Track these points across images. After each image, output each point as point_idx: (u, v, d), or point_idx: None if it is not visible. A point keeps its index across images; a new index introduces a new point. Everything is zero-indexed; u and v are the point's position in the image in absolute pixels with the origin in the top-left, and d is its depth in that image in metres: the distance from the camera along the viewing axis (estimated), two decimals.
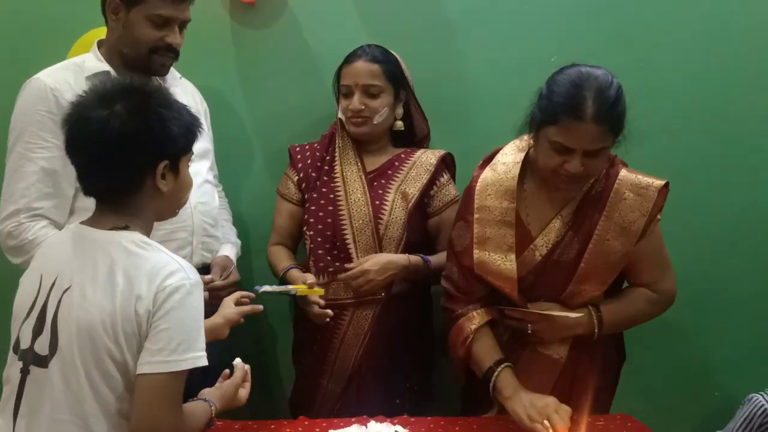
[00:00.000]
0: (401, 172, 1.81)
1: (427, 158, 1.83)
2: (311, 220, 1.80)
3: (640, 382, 2.00)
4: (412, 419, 1.49)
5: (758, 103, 2.05)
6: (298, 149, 1.89)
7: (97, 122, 1.10)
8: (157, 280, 1.09)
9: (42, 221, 1.54)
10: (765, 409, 1.72)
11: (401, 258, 1.73)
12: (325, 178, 1.82)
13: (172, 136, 1.14)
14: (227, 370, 1.39)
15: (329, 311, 1.67)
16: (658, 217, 1.52)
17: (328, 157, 1.84)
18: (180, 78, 1.79)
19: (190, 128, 1.19)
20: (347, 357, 1.77)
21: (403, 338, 1.80)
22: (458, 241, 1.60)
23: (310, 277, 1.70)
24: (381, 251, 1.75)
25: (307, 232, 1.81)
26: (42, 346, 1.13)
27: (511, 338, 1.59)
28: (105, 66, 1.62)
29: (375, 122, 1.78)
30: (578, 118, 1.37)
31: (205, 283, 1.60)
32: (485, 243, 1.54)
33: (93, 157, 1.13)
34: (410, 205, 1.78)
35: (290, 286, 1.68)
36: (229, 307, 1.48)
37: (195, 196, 1.25)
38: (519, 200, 1.55)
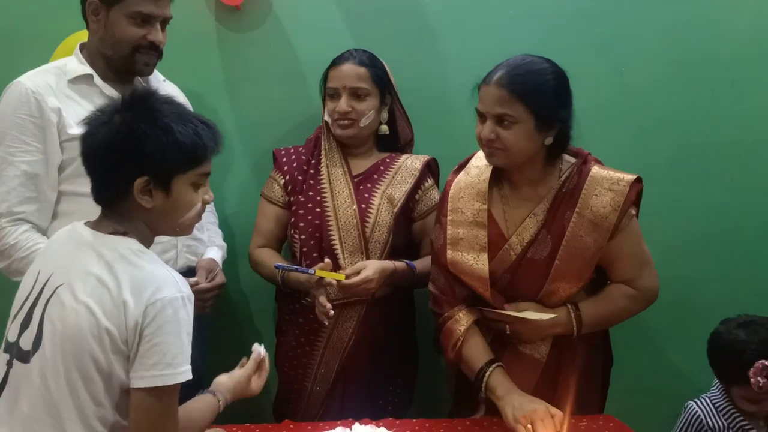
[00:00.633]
0: (387, 175, 1.82)
1: (411, 163, 1.84)
2: (300, 223, 1.80)
3: (621, 383, 2.01)
4: (397, 422, 1.49)
5: (738, 107, 2.09)
6: (283, 152, 1.89)
7: (93, 127, 1.14)
8: (148, 291, 1.08)
9: (24, 225, 1.53)
10: (698, 416, 1.78)
11: (389, 264, 1.74)
12: (311, 181, 1.82)
13: (155, 153, 1.11)
14: (244, 358, 1.39)
15: (331, 311, 1.64)
16: (632, 212, 1.53)
17: (313, 161, 1.84)
18: (164, 80, 1.79)
19: (188, 148, 1.14)
20: (332, 360, 1.77)
21: (386, 340, 1.81)
22: (435, 242, 1.63)
23: (328, 261, 1.67)
24: (367, 254, 1.76)
25: (295, 235, 1.81)
26: (27, 341, 1.12)
27: (494, 339, 1.60)
28: (87, 69, 1.61)
29: (361, 125, 1.79)
30: (486, 83, 1.49)
31: (191, 286, 1.61)
32: (458, 243, 1.56)
33: (86, 163, 1.16)
34: (396, 209, 1.79)
35: (310, 270, 1.66)
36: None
37: None
38: (493, 201, 1.58)
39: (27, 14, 2.01)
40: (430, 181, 1.86)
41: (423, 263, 1.77)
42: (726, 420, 1.76)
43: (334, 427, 1.42)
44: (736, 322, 1.79)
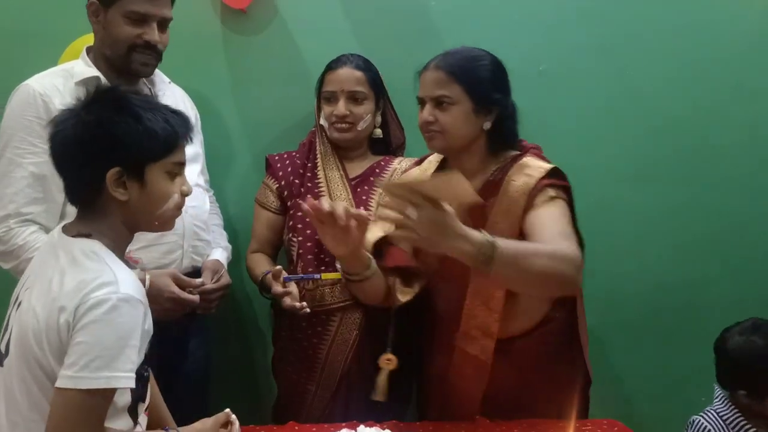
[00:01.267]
0: (383, 178, 1.83)
1: (407, 165, 1.85)
2: (299, 226, 1.80)
3: (625, 387, 2.02)
4: (401, 424, 1.49)
5: (739, 109, 2.09)
6: (276, 158, 1.90)
7: (59, 125, 1.12)
8: (83, 291, 1.03)
9: (32, 226, 1.54)
10: (708, 429, 1.70)
11: None
12: (308, 184, 1.83)
13: (123, 142, 1.09)
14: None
15: (304, 304, 1.65)
16: (551, 193, 1.47)
17: (309, 164, 1.85)
18: (169, 83, 1.80)
19: (159, 135, 1.11)
20: (336, 362, 1.77)
21: (389, 341, 1.80)
22: None
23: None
24: None
25: (294, 239, 1.81)
26: (3, 344, 1.13)
27: (440, 345, 1.60)
28: (94, 71, 1.62)
29: (359, 128, 1.80)
30: (425, 68, 1.53)
31: (196, 287, 1.63)
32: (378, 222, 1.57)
33: (56, 163, 1.14)
34: None
35: (315, 275, 1.71)
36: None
37: (186, 200, 1.24)
38: None
39: (35, 18, 2.03)
40: None
41: None
42: None
43: (339, 429, 1.42)
44: (742, 327, 1.73)
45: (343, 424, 1.45)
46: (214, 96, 2.05)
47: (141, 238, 1.52)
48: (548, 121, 2.05)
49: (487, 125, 1.52)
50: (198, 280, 1.64)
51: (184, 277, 1.61)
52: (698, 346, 1.87)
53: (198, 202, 1.74)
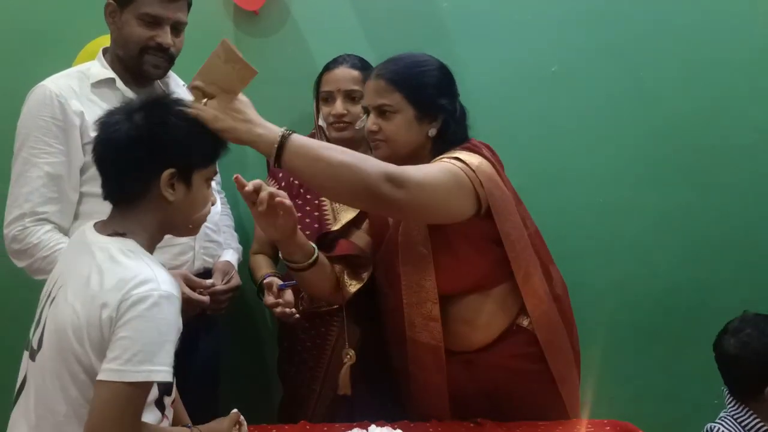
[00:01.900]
0: None
1: None
2: (298, 226, 1.81)
3: (635, 388, 2.01)
4: (412, 424, 1.50)
5: (749, 110, 2.09)
6: None
7: (111, 126, 1.15)
8: (125, 288, 1.07)
9: (46, 225, 1.56)
10: None
11: None
12: None
13: (182, 145, 1.16)
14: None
15: (294, 311, 1.65)
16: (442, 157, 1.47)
17: None
18: (183, 85, 1.81)
19: (208, 144, 1.20)
20: (340, 363, 1.76)
21: None
22: None
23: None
24: None
25: None
26: (36, 340, 1.15)
27: (393, 336, 1.61)
28: (110, 73, 1.64)
29: (357, 127, 1.80)
30: (368, 77, 1.54)
31: (206, 288, 1.64)
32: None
33: (104, 160, 1.17)
34: None
35: None
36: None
37: None
38: None
39: (50, 19, 2.06)
40: None
41: None
42: None
43: (350, 428, 1.42)
44: (732, 326, 1.66)
45: (355, 424, 1.45)
46: None
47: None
48: (558, 122, 2.05)
49: (433, 132, 1.51)
50: (208, 281, 1.65)
51: (195, 278, 1.62)
52: (708, 347, 1.86)
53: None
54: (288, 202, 1.39)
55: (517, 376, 1.54)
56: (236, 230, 1.97)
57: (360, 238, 1.69)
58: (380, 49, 1.91)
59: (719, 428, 1.64)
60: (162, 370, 1.07)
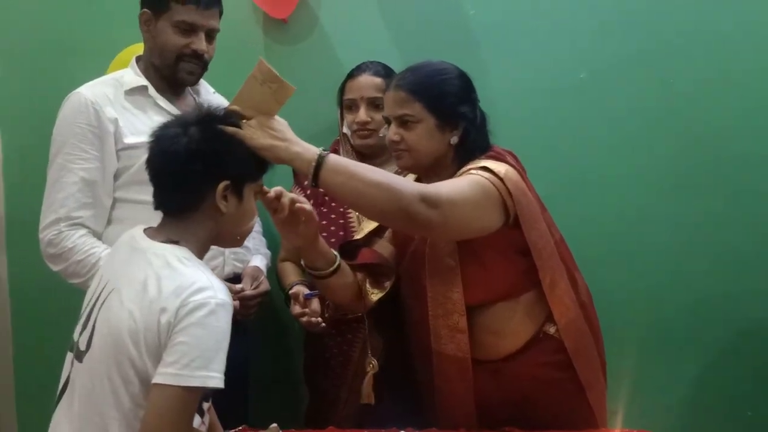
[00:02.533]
0: None
1: None
2: (323, 234, 1.81)
3: (663, 400, 1.97)
4: None
5: None
6: None
7: (168, 139, 1.18)
8: (183, 294, 1.09)
9: (81, 230, 1.59)
10: None
11: None
12: None
13: (236, 158, 1.19)
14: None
15: (320, 320, 1.66)
16: (471, 167, 1.45)
17: None
18: (213, 93, 1.84)
19: (260, 159, 1.24)
20: (366, 369, 1.77)
21: None
22: None
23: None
24: None
25: None
26: (83, 342, 1.16)
27: (418, 348, 1.60)
28: (143, 81, 1.67)
29: (381, 134, 1.80)
30: (387, 89, 1.54)
31: (236, 293, 1.65)
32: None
33: (161, 173, 1.20)
34: None
35: None
36: None
37: None
38: None
39: (84, 28, 2.10)
40: None
41: None
42: None
43: None
44: None
45: (382, 431, 1.45)
46: None
47: None
48: (586, 129, 2.03)
49: (454, 140, 1.51)
50: (238, 286, 1.67)
51: (225, 283, 1.64)
52: (741, 360, 1.82)
53: None
54: (309, 207, 1.40)
55: (545, 384, 1.52)
56: (264, 236, 1.98)
57: (383, 247, 1.69)
58: (408, 56, 1.89)
59: None
60: (216, 377, 1.09)
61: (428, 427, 1.52)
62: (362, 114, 1.80)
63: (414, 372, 1.69)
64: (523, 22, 2.05)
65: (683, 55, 2.04)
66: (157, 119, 1.52)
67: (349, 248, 1.66)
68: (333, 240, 1.80)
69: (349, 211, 1.82)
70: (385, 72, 1.84)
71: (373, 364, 1.64)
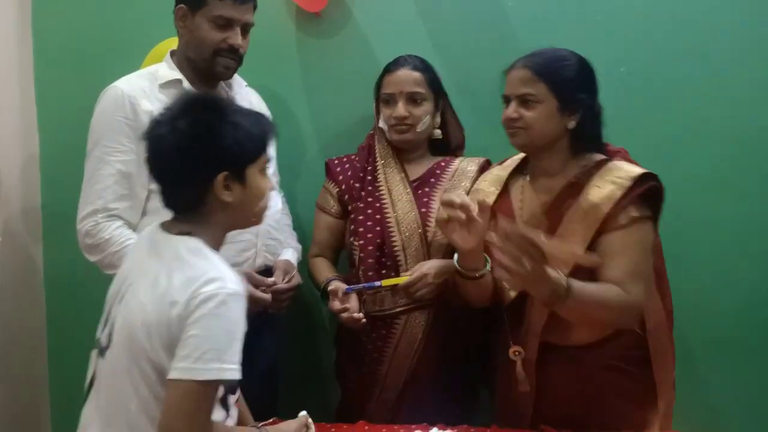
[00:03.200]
0: (444, 179, 1.82)
1: (467, 165, 1.84)
2: (360, 229, 1.81)
3: (714, 404, 1.92)
4: (472, 429, 1.48)
5: None
6: (336, 162, 1.92)
7: (158, 140, 1.15)
8: (193, 286, 1.07)
9: (117, 221, 1.60)
10: None
11: (446, 261, 1.72)
12: (369, 187, 1.84)
13: (228, 148, 1.14)
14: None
15: (361, 315, 1.67)
16: (634, 213, 1.45)
17: (369, 167, 1.86)
18: (246, 86, 1.84)
19: (255, 136, 1.18)
20: (401, 366, 1.77)
21: (454, 343, 1.79)
22: None
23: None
24: (429, 257, 1.76)
25: (356, 242, 1.81)
26: (105, 337, 1.17)
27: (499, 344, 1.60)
28: (177, 74, 1.68)
29: (418, 129, 1.80)
30: (512, 67, 1.56)
31: (268, 286, 1.66)
32: None
33: (159, 174, 1.18)
34: None
35: (375, 282, 1.72)
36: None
37: None
38: (513, 190, 1.63)
39: (120, 24, 2.13)
40: None
41: None
42: None
43: (410, 431, 1.41)
44: None
45: (413, 426, 1.44)
46: (288, 99, 2.08)
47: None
48: (632, 125, 1.97)
49: (572, 125, 1.52)
50: (270, 279, 1.68)
51: (258, 276, 1.65)
52: None
53: (272, 201, 1.76)
54: (482, 205, 1.45)
55: (619, 378, 1.52)
56: (294, 230, 1.98)
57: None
58: (443, 49, 1.89)
59: None
60: (231, 368, 1.07)
61: (461, 423, 1.51)
62: (401, 108, 1.79)
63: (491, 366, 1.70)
64: (561, 13, 2.00)
65: (734, 52, 1.96)
66: None
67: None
68: (369, 235, 1.80)
69: (386, 206, 1.81)
70: (423, 66, 1.82)
71: (517, 351, 1.58)
